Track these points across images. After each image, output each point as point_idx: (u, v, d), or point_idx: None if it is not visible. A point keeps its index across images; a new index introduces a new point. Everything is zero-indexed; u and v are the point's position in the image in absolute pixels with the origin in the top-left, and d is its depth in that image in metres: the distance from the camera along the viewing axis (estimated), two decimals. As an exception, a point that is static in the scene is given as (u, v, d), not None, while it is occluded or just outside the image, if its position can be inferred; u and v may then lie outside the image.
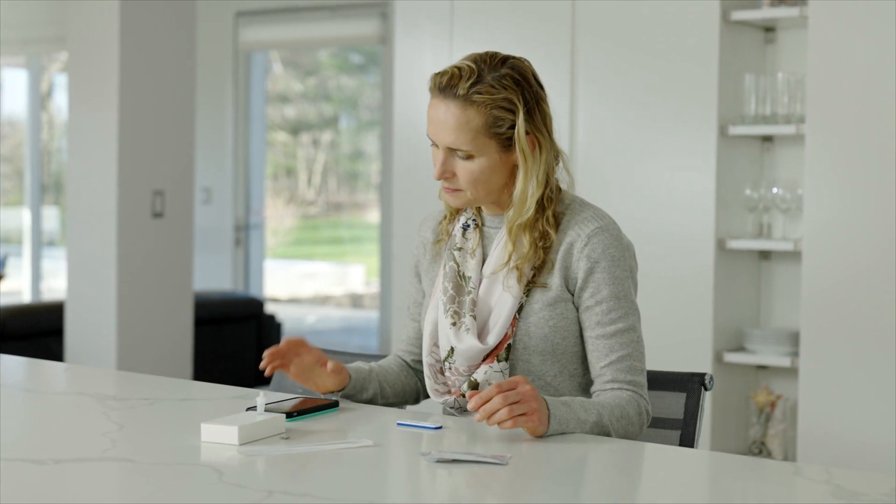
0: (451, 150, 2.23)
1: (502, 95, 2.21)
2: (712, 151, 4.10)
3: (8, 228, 9.45)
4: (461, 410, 2.28)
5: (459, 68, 2.22)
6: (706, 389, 2.40)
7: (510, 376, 2.23)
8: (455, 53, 4.59)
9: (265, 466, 1.87)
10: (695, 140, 4.14)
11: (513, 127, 2.23)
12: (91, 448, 1.96)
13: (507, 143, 2.24)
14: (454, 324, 2.26)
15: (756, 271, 4.32)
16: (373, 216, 8.69)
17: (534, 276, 2.25)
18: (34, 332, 5.86)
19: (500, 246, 2.29)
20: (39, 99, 9.10)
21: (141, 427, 2.16)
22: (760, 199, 4.18)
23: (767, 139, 4.29)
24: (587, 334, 2.25)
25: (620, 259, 2.25)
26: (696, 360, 4.07)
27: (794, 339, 4.06)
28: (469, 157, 2.22)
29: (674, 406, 2.40)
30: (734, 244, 4.13)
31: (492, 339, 2.23)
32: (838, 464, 3.66)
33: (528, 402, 2.04)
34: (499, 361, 2.23)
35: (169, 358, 5.44)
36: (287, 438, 2.02)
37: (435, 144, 2.26)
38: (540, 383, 2.25)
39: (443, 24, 4.64)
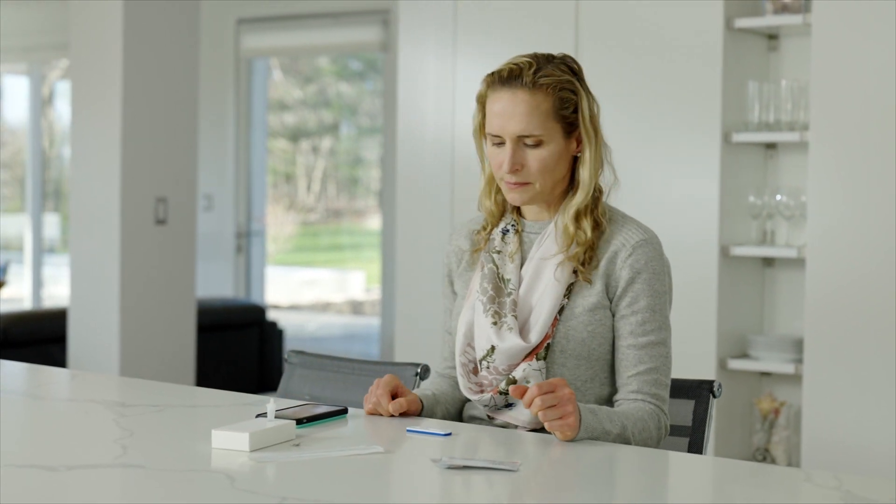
0: (518, 141, 2.27)
1: (566, 78, 2.29)
2: (716, 158, 4.11)
3: (8, 235, 9.45)
4: (496, 408, 2.29)
5: (517, 63, 2.29)
6: (714, 397, 2.41)
7: (547, 377, 2.25)
8: (458, 59, 4.60)
9: (277, 473, 1.87)
10: (698, 147, 4.15)
11: (576, 111, 2.30)
12: (103, 454, 1.97)
13: (569, 129, 2.30)
14: (495, 323, 2.27)
15: (759, 278, 4.33)
16: (373, 222, 8.70)
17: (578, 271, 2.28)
18: (36, 338, 5.86)
19: (547, 240, 2.31)
20: (40, 106, 9.10)
21: (151, 433, 2.16)
22: (764, 206, 4.18)
23: (771, 146, 4.29)
24: (619, 343, 2.27)
25: (661, 274, 2.29)
26: (700, 366, 4.07)
27: (798, 345, 4.07)
28: (538, 143, 2.27)
29: (682, 413, 2.41)
30: (738, 251, 4.14)
31: (534, 337, 2.25)
32: (843, 470, 3.66)
33: (564, 406, 2.07)
34: (537, 360, 2.24)
35: (171, 364, 5.44)
36: (298, 445, 2.03)
37: (499, 142, 2.28)
38: (571, 387, 2.26)
39: (446, 30, 4.65)
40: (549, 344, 2.25)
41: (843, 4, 3.83)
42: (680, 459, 2.10)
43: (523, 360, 2.25)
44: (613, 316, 2.28)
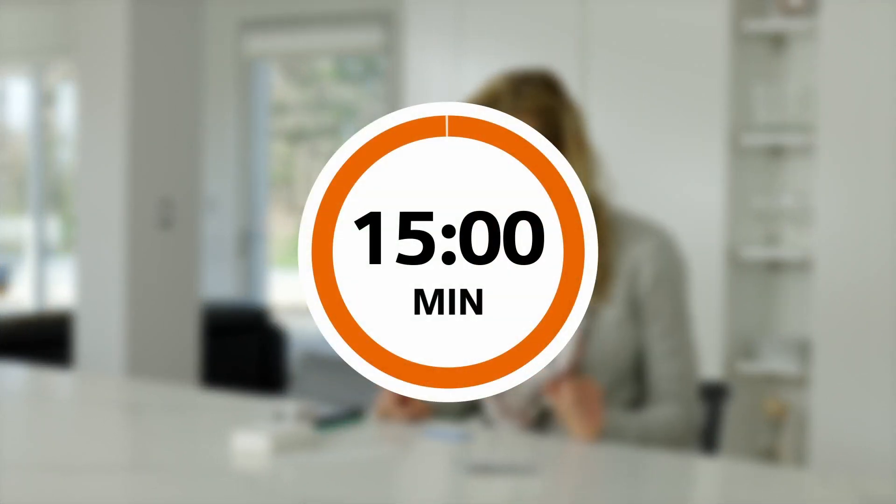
0: None
1: (544, 98, 2.29)
2: (722, 161, 4.11)
3: (8, 238, 9.44)
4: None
5: (494, 89, 2.26)
6: (727, 398, 2.41)
7: None
8: (465, 62, 4.60)
9: (297, 475, 1.86)
10: (705, 150, 4.15)
11: (559, 127, 2.28)
12: (121, 457, 1.96)
13: (558, 147, 2.27)
14: None
15: (766, 280, 4.32)
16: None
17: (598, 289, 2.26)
18: (39, 341, 5.85)
19: None
20: (41, 108, 9.10)
21: (170, 436, 2.15)
22: (770, 208, 4.18)
23: (777, 149, 4.29)
24: (646, 349, 2.28)
25: (679, 274, 2.32)
26: (706, 369, 4.07)
27: (805, 348, 4.07)
28: None
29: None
30: (744, 253, 4.13)
31: (561, 365, 2.23)
32: (850, 472, 3.66)
33: (591, 403, 2.10)
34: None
35: (175, 367, 5.44)
36: (317, 447, 2.02)
37: None
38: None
39: (452, 35, 4.64)
40: (576, 366, 2.24)
41: (850, 8, 3.83)
42: (695, 462, 2.09)
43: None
44: (637, 323, 2.28)
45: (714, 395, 2.41)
